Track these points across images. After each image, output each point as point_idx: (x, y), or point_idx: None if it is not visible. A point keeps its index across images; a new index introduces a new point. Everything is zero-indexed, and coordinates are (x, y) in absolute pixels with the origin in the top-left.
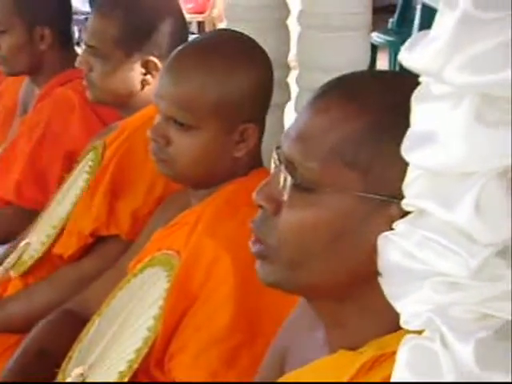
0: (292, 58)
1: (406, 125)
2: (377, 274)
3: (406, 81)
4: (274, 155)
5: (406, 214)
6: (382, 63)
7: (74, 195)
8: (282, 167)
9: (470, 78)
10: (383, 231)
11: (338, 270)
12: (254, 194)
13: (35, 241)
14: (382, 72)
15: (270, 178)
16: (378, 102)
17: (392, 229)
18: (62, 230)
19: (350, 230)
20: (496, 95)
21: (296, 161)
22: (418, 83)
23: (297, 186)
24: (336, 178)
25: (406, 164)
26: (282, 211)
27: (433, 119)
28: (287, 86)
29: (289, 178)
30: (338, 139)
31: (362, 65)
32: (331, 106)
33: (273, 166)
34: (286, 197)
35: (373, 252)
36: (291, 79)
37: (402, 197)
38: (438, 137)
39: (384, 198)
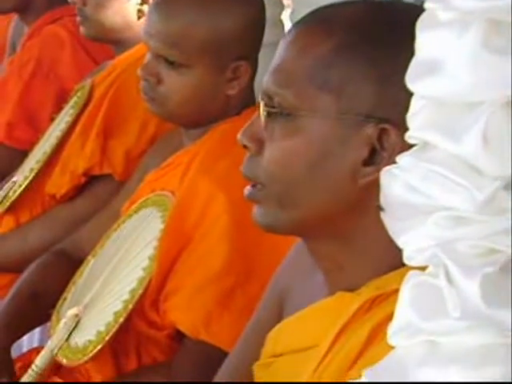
0: None
1: (377, 44)
2: (370, 210)
3: (379, 5)
4: (260, 97)
5: (381, 131)
6: None
7: (60, 130)
8: (262, 102)
9: (478, 3)
10: (362, 152)
11: (326, 198)
12: (238, 135)
13: (21, 177)
14: (356, 0)
15: (254, 119)
16: (345, 24)
17: (372, 149)
18: (46, 164)
19: (329, 154)
20: (504, 21)
21: (271, 91)
22: (392, 7)
23: (274, 115)
24: (310, 102)
25: (381, 83)
26: (265, 148)
27: (439, 47)
28: (281, 23)
29: (266, 109)
30: (307, 64)
31: None
32: (300, 35)
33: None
34: (265, 129)
35: (356, 176)
36: (285, 17)
37: (377, 116)
38: (444, 65)
39: (359, 117)
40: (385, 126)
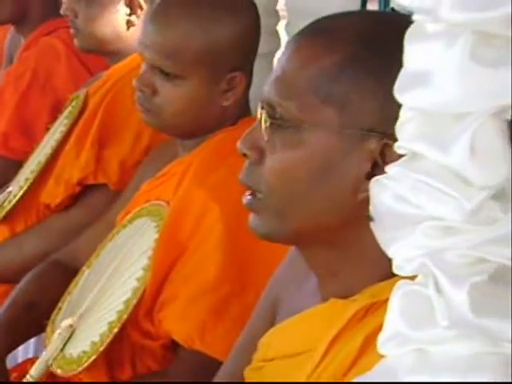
0: (281, 6)
1: (381, 57)
2: (367, 220)
3: (380, 16)
4: (259, 105)
5: (384, 146)
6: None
7: (54, 140)
8: (263, 111)
9: (466, 15)
10: (364, 166)
11: (325, 210)
12: (238, 143)
13: (16, 188)
14: (355, 11)
15: (253, 127)
16: (349, 36)
17: (374, 163)
18: (41, 174)
19: (331, 167)
20: (493, 33)
21: (274, 102)
22: (393, 19)
23: (276, 126)
24: (313, 115)
25: (384, 97)
26: (266, 158)
27: (427, 59)
28: (277, 34)
29: (268, 120)
30: (311, 76)
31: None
32: (303, 46)
33: (258, 116)
34: (266, 139)
35: (357, 189)
36: (280, 28)
37: (380, 131)
38: (432, 77)
39: (362, 131)
40: (387, 142)
